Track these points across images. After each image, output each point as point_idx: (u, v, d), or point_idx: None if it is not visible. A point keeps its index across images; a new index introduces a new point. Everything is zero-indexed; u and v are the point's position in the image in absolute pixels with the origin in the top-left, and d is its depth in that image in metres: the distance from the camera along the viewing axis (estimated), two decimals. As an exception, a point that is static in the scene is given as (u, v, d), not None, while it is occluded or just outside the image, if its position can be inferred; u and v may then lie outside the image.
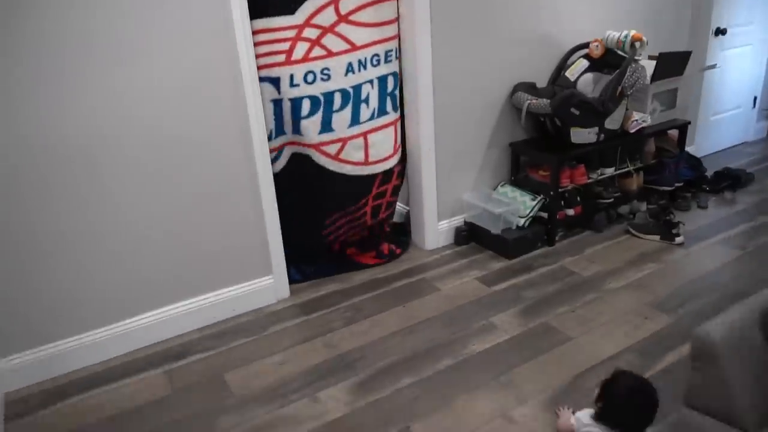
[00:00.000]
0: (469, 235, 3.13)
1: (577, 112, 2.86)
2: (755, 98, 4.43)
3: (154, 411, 2.04)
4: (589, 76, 3.12)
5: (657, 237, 3.04)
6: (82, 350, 2.27)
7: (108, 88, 2.05)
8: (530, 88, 3.07)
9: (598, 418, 1.64)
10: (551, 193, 2.95)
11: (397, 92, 2.82)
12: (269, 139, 2.59)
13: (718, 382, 1.05)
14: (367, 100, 2.69)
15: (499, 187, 3.20)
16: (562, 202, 3.07)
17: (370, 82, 2.68)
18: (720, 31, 3.89)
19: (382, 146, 2.79)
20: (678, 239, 2.99)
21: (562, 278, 2.74)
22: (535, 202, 3.00)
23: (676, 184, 3.40)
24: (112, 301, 2.29)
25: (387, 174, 2.84)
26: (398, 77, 2.81)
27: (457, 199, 3.12)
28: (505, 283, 2.73)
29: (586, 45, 3.14)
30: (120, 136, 2.12)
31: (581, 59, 3.14)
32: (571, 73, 3.14)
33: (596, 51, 3.07)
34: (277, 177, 2.63)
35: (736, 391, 1.04)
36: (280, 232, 2.62)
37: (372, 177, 2.80)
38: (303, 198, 2.76)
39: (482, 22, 2.86)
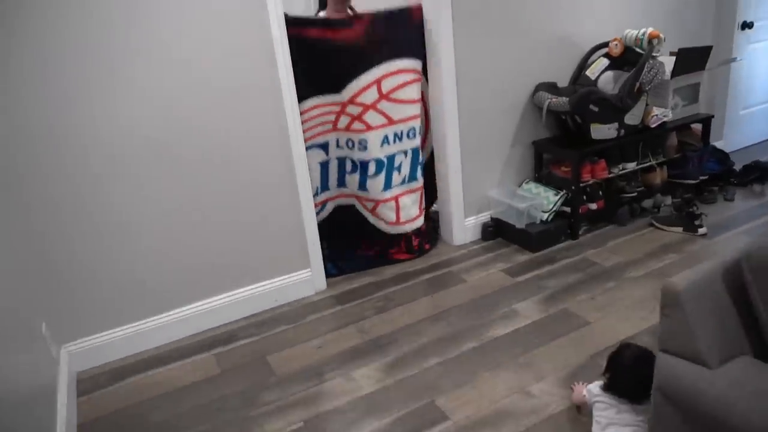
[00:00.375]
0: (495, 231, 3.28)
1: (596, 109, 2.98)
2: (787, 91, 4.41)
3: (205, 387, 2.28)
4: (609, 74, 3.24)
5: (680, 229, 3.12)
6: (142, 335, 2.54)
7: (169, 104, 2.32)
8: (551, 87, 3.21)
9: (607, 388, 1.79)
10: (573, 188, 3.08)
11: (423, 160, 3.15)
12: (315, 194, 2.92)
13: (684, 326, 1.19)
14: (399, 168, 2.98)
15: (523, 184, 3.34)
16: (585, 197, 3.19)
17: (404, 153, 2.97)
18: (746, 25, 3.91)
19: (411, 209, 3.08)
20: (701, 230, 3.06)
21: (583, 269, 2.86)
22: (557, 198, 3.13)
23: (701, 178, 3.46)
24: (168, 291, 2.56)
25: (415, 231, 3.13)
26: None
27: (483, 196, 3.28)
28: (529, 274, 2.87)
29: (606, 44, 3.26)
30: (175, 147, 2.39)
31: (601, 58, 3.26)
32: (591, 72, 3.26)
33: (616, 50, 3.19)
34: (320, 226, 2.93)
35: (698, 333, 1.19)
36: (317, 230, 2.85)
37: (402, 235, 3.11)
38: (343, 230, 3.09)
39: (504, 25, 3.02)
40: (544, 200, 3.15)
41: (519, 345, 2.33)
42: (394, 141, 2.93)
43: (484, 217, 3.32)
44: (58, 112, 2.16)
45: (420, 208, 3.13)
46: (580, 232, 3.22)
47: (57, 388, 2.16)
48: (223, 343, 2.56)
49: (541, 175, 3.34)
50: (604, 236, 3.19)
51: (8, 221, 2.13)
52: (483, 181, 3.26)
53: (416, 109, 2.96)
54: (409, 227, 3.09)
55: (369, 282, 2.97)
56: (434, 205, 3.43)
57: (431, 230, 3.37)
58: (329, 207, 3.07)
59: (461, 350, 2.34)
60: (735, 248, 1.28)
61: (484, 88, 3.08)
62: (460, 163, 3.13)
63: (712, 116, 3.51)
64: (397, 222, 3.07)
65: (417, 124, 2.97)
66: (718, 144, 3.97)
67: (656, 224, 3.21)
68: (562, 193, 3.14)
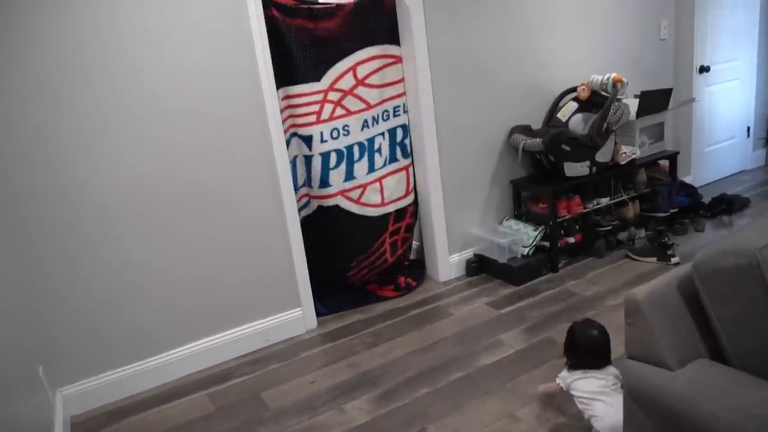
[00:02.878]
0: (479, 266, 3.41)
1: (568, 148, 3.18)
2: (748, 128, 4.69)
3: (201, 425, 2.32)
4: (578, 116, 3.46)
5: (654, 259, 3.27)
6: (137, 377, 2.58)
7: (156, 143, 2.46)
8: (526, 129, 3.41)
9: (572, 367, 1.97)
10: (550, 223, 3.24)
11: (407, 141, 3.22)
12: (298, 188, 3.00)
13: (646, 332, 1.32)
14: (380, 150, 3.11)
15: (504, 221, 3.50)
16: (562, 231, 3.34)
17: (382, 134, 3.12)
18: (704, 69, 4.21)
19: (396, 189, 3.20)
20: (673, 259, 3.22)
21: (564, 299, 2.98)
22: (536, 233, 3.28)
23: (672, 210, 3.64)
24: (162, 333, 2.62)
25: (400, 212, 3.22)
26: (407, 128, 3.21)
27: (466, 234, 3.42)
28: (512, 306, 2.98)
29: (574, 89, 3.50)
30: (165, 188, 2.51)
31: (571, 101, 3.49)
32: (562, 115, 3.48)
33: (583, 93, 3.42)
34: (303, 222, 3.01)
35: (659, 338, 1.31)
36: (307, 270, 2.95)
37: (387, 216, 3.18)
38: (329, 244, 3.14)
39: (478, 73, 3.24)
40: (524, 235, 3.30)
41: (505, 373, 2.41)
42: (373, 124, 3.08)
43: (468, 253, 3.45)
44: (51, 159, 2.29)
45: (407, 189, 3.24)
46: (560, 265, 3.36)
47: None
48: (218, 382, 2.61)
49: (521, 212, 3.50)
50: (583, 268, 3.33)
51: (4, 266, 2.21)
52: (465, 220, 3.41)
53: (393, 91, 3.11)
54: (393, 207, 3.20)
55: (358, 319, 3.06)
56: (417, 242, 3.55)
57: (417, 268, 3.48)
58: (313, 205, 3.10)
59: (449, 379, 2.42)
60: (689, 263, 1.42)
61: (463, 131, 3.27)
62: (443, 202, 3.29)
63: (678, 153, 3.73)
64: (382, 203, 3.16)
65: (392, 105, 3.11)
66: (687, 179, 4.19)
67: (632, 255, 3.36)
68: (540, 228, 3.29)
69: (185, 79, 2.46)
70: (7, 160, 2.20)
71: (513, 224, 3.43)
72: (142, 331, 2.58)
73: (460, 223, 3.39)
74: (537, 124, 3.51)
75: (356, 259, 3.18)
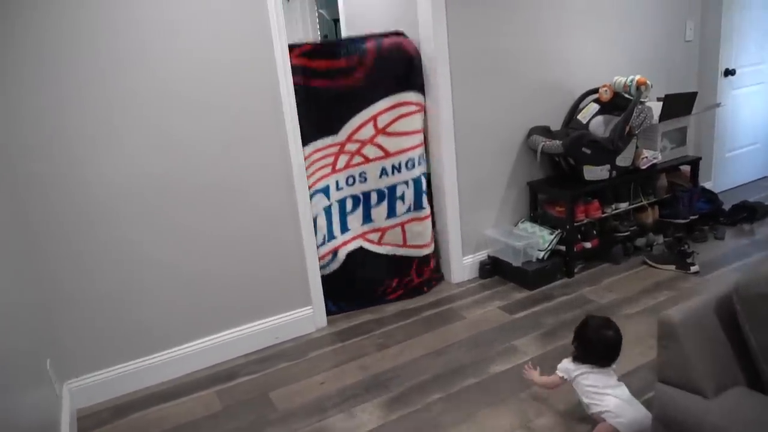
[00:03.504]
0: (493, 269, 3.35)
1: (588, 151, 3.10)
2: (771, 134, 4.58)
3: (207, 424, 2.28)
4: (599, 118, 3.38)
5: (672, 267, 3.19)
6: (144, 372, 2.55)
7: (166, 137, 2.41)
8: (545, 131, 3.34)
9: (578, 359, 1.97)
10: (567, 227, 3.17)
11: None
12: (323, 243, 2.99)
13: (680, 357, 1.25)
14: (402, 198, 3.08)
15: (519, 223, 3.43)
16: (579, 236, 3.27)
17: (405, 182, 3.07)
18: (729, 72, 4.10)
19: (420, 236, 3.16)
20: (693, 268, 3.14)
21: (580, 305, 2.92)
22: (552, 236, 3.21)
23: (692, 217, 3.56)
24: (171, 328, 2.58)
25: (424, 259, 3.19)
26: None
27: (481, 235, 3.36)
28: (526, 311, 2.92)
29: (596, 90, 3.41)
30: (175, 183, 2.47)
31: (592, 103, 3.41)
32: (583, 116, 3.40)
33: (605, 95, 3.33)
34: (335, 275, 3.03)
35: (694, 364, 1.24)
36: (318, 268, 2.90)
37: (410, 259, 3.16)
38: (360, 279, 3.11)
39: (499, 72, 3.17)
40: (539, 239, 3.23)
41: (519, 380, 2.35)
42: (392, 173, 3.03)
43: (482, 255, 3.39)
44: (63, 153, 2.25)
45: (431, 238, 3.20)
46: (576, 270, 3.29)
47: (60, 426, 2.16)
48: (225, 379, 2.57)
49: (537, 214, 3.43)
50: (599, 274, 3.26)
51: (14, 259, 2.18)
52: (480, 221, 3.34)
53: (415, 140, 3.05)
54: (415, 252, 3.15)
55: (369, 319, 3.01)
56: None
57: (433, 271, 3.42)
58: (341, 256, 3.04)
59: (462, 386, 2.36)
60: (726, 282, 1.36)
61: (481, 131, 3.20)
62: (458, 203, 3.22)
63: (700, 158, 3.64)
64: (404, 245, 3.13)
65: (416, 154, 3.05)
66: (707, 185, 4.10)
67: (649, 262, 3.29)
68: (557, 232, 3.22)
69: (198, 71, 2.41)
70: (12, 152, 2.16)
71: (528, 227, 3.36)
72: (150, 327, 2.54)
73: (475, 224, 3.33)
74: (556, 126, 3.43)
75: (386, 282, 3.16)
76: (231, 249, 2.64)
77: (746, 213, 3.78)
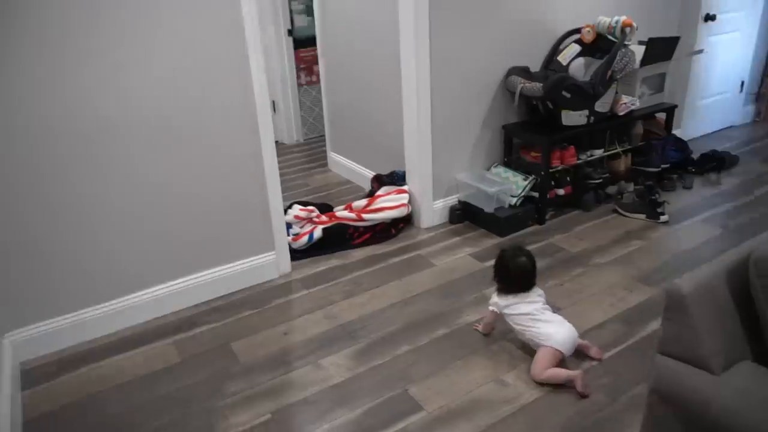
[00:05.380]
0: (463, 214, 3.25)
1: (568, 95, 2.96)
2: (742, 83, 4.55)
3: (165, 378, 2.15)
4: (580, 60, 3.22)
5: (643, 216, 3.17)
6: (95, 322, 2.37)
7: (119, 75, 2.13)
8: (524, 71, 3.17)
9: (500, 291, 2.13)
10: (542, 173, 3.07)
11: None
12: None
13: (688, 330, 1.18)
14: None
15: (492, 167, 3.31)
16: (553, 183, 3.19)
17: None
18: (709, 17, 3.98)
19: (393, 201, 3.15)
20: (663, 218, 3.12)
21: (551, 254, 2.87)
22: (526, 182, 3.12)
23: (663, 166, 3.52)
24: (123, 274, 2.39)
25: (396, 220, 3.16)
26: None
27: (452, 179, 3.23)
28: (498, 259, 2.85)
29: (578, 30, 3.24)
30: (128, 123, 2.21)
31: (573, 44, 3.24)
32: (563, 58, 3.24)
33: (588, 36, 3.17)
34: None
35: (703, 338, 1.17)
36: (282, 210, 2.73)
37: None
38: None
39: (478, 8, 2.94)
40: (513, 185, 3.13)
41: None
42: None
43: (452, 200, 3.28)
44: (17, 98, 1.95)
45: (403, 202, 3.15)
46: (547, 217, 3.23)
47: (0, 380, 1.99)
48: (184, 329, 2.43)
49: (511, 159, 3.32)
50: (570, 221, 3.21)
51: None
52: (452, 164, 3.20)
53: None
54: (387, 214, 3.12)
55: (335, 265, 2.89)
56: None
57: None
58: (317, 234, 3.01)
59: (432, 337, 2.30)
60: (737, 251, 1.27)
61: (458, 69, 3.00)
62: (431, 144, 3.06)
63: (676, 106, 3.57)
64: (379, 210, 3.10)
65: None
66: (677, 132, 4.06)
67: (620, 211, 3.25)
68: (531, 178, 3.12)
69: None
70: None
71: (502, 172, 3.25)
72: (102, 274, 2.34)
73: (447, 168, 3.19)
74: (536, 66, 3.27)
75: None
76: (189, 190, 2.43)
77: (715, 163, 3.77)
